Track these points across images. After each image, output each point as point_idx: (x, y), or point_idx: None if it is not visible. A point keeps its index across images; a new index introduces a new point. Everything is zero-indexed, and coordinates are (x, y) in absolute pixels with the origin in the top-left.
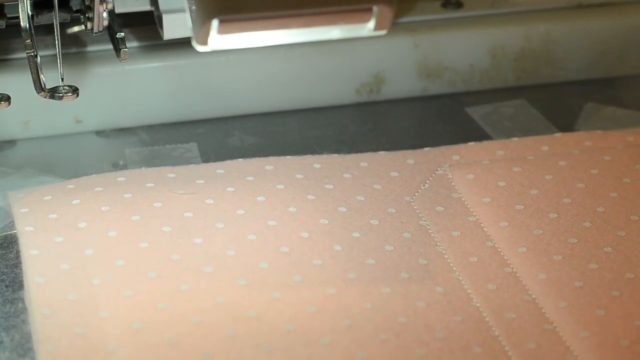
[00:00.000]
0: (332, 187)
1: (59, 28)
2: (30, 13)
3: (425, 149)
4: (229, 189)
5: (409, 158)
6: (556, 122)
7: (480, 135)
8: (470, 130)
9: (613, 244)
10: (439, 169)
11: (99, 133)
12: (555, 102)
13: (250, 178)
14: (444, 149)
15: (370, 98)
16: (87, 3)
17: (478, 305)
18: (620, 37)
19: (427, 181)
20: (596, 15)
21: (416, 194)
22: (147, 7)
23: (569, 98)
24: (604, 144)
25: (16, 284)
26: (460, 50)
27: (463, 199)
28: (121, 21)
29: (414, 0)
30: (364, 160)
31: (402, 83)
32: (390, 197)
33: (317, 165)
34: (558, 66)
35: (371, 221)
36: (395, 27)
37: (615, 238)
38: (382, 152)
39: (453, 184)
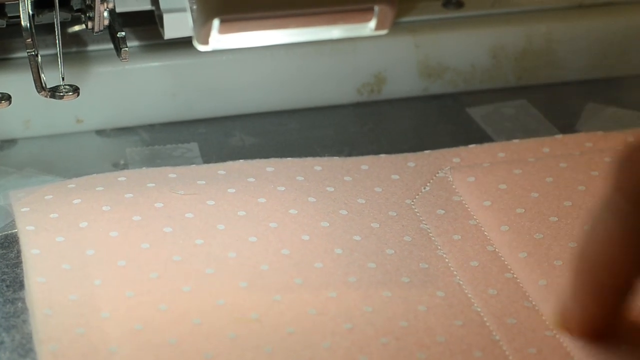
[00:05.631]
0: (332, 189)
1: (59, 27)
2: (31, 12)
3: (426, 151)
4: (230, 190)
5: (410, 161)
6: (557, 122)
7: (480, 135)
8: (471, 131)
9: None
10: (439, 171)
11: (99, 132)
12: (556, 102)
13: (252, 179)
14: (444, 151)
15: (371, 98)
16: (87, 2)
17: (479, 309)
18: (622, 37)
19: (428, 184)
20: (597, 15)
21: (417, 197)
22: (147, 7)
23: (570, 98)
24: (604, 145)
25: (17, 283)
26: (461, 50)
27: (464, 202)
28: (122, 20)
29: (414, 0)
30: (365, 163)
31: (403, 83)
32: (391, 200)
33: (318, 168)
34: (559, 66)
35: (372, 224)
36: (396, 26)
37: None
38: (382, 155)
39: (454, 186)
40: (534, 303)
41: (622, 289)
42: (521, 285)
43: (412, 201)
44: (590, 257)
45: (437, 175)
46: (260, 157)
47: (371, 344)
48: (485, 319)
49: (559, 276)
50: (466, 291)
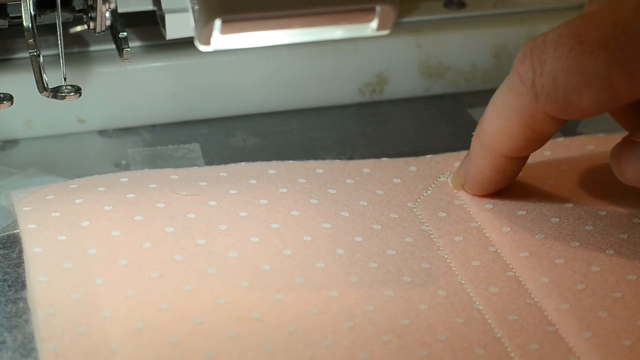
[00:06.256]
0: (334, 192)
1: (61, 28)
2: (32, 13)
3: (428, 156)
4: (232, 191)
5: (411, 165)
6: None
7: None
8: (473, 131)
9: (615, 246)
10: (441, 175)
11: (101, 133)
12: None
13: (253, 181)
14: (446, 155)
15: (372, 98)
16: (89, 3)
17: (480, 307)
18: None
19: (430, 188)
20: None
21: (418, 200)
22: (149, 7)
23: None
24: (606, 147)
25: (19, 283)
26: (462, 50)
27: (465, 205)
28: (124, 21)
29: (416, 0)
30: (367, 167)
31: (405, 83)
32: (392, 203)
33: (320, 171)
34: None
35: (374, 226)
36: (397, 27)
37: (617, 241)
38: (384, 159)
39: (455, 190)
40: (535, 300)
41: (513, 158)
42: (523, 283)
43: (414, 204)
44: (489, 126)
45: (438, 179)
46: (262, 158)
47: (372, 342)
48: (486, 316)
49: (561, 274)
50: (468, 290)
